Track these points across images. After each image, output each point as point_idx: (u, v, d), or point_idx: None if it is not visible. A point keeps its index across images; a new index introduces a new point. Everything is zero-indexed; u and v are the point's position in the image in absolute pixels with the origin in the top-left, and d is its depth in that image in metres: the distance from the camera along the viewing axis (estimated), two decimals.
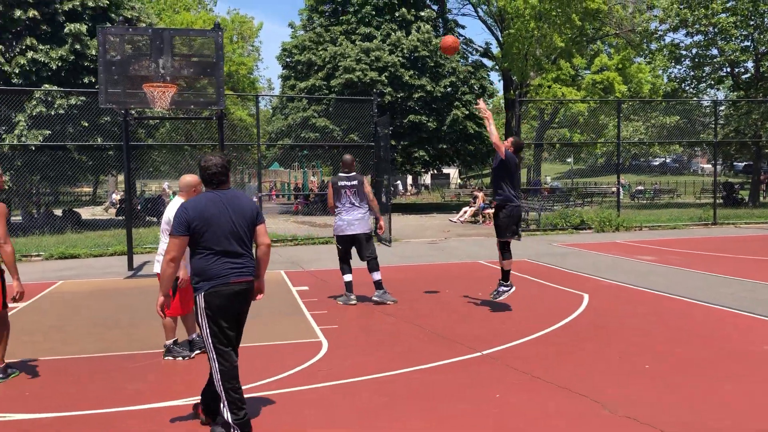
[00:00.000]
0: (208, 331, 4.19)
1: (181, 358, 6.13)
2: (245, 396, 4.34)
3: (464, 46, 34.09)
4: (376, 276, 8.68)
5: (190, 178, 6.01)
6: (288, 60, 30.46)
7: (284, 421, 4.55)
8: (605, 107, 31.79)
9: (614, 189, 29.71)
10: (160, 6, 36.68)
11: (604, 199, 32.62)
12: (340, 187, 8.61)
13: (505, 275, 8.14)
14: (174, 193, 32.64)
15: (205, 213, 4.17)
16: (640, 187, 40.59)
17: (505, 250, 8.06)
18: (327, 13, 31.35)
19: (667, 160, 74.71)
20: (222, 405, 4.17)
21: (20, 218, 21.35)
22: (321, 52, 28.73)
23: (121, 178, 41.06)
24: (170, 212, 5.88)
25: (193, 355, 6.20)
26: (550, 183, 48.10)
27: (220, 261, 4.17)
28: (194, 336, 6.29)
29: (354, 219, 8.56)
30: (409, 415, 4.60)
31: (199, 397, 4.52)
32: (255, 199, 30.57)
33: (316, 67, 28.82)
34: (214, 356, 4.21)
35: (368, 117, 19.96)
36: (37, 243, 15.41)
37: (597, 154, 49.45)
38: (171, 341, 6.17)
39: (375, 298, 8.71)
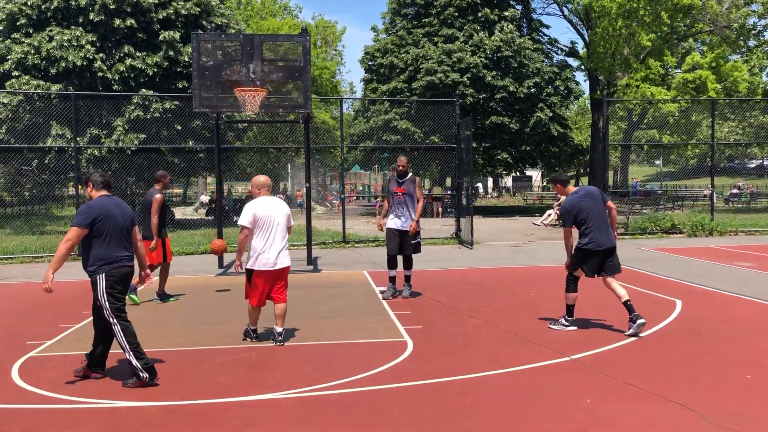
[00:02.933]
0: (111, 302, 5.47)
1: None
2: (338, 391, 4.41)
3: (548, 47, 33.39)
4: (407, 272, 9.31)
5: (263, 178, 6.70)
6: (370, 63, 30.76)
7: (374, 419, 4.60)
8: (697, 107, 30.44)
9: (706, 192, 28.42)
10: (247, 12, 37.83)
11: (695, 202, 31.25)
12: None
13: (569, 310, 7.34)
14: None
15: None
16: (734, 191, 38.65)
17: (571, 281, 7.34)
18: (409, 16, 31.46)
19: (765, 162, 70.74)
20: (129, 355, 5.32)
21: None
22: (403, 55, 28.86)
23: (210, 179, 42.63)
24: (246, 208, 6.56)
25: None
26: (646, 186, 46.49)
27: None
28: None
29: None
30: (497, 418, 4.57)
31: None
32: (337, 201, 30.82)
33: (398, 70, 28.96)
34: (116, 321, 5.39)
35: (450, 119, 19.90)
36: None
37: (688, 156, 47.40)
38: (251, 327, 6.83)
39: (404, 294, 9.20)
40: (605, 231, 7.06)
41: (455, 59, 27.45)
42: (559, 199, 23.07)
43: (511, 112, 28.52)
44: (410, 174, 9.25)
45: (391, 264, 9.26)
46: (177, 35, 20.31)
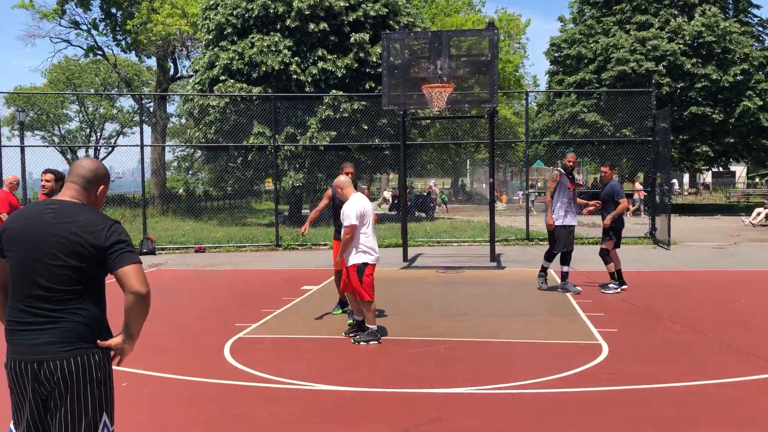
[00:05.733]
0: None
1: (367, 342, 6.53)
2: (532, 391, 4.29)
3: (759, 29, 30.15)
4: (565, 269, 9.37)
5: (345, 178, 6.89)
6: (556, 55, 29.78)
7: (570, 422, 4.42)
8: None
9: None
10: (432, 11, 38.32)
11: None
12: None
13: None
14: (442, 191, 33.94)
15: None
16: None
17: None
18: (599, 4, 29.99)
19: None
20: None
21: (308, 211, 23.86)
22: (592, 45, 27.60)
23: (391, 176, 43.86)
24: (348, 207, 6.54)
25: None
26: None
27: None
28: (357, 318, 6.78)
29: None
30: None
31: None
32: (520, 195, 30.24)
33: (586, 61, 27.76)
34: None
35: (643, 110, 18.70)
36: (324, 233, 17.05)
37: None
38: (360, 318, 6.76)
39: (572, 290, 9.19)
40: None
41: (650, 47, 25.73)
42: None
43: (713, 102, 26.17)
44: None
45: (564, 259, 9.34)
46: (366, 37, 21.07)
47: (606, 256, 9.28)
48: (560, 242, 9.15)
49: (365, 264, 6.53)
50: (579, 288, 9.23)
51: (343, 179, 6.85)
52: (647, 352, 6.14)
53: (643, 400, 4.81)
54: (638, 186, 15.54)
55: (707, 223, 21.93)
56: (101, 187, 2.86)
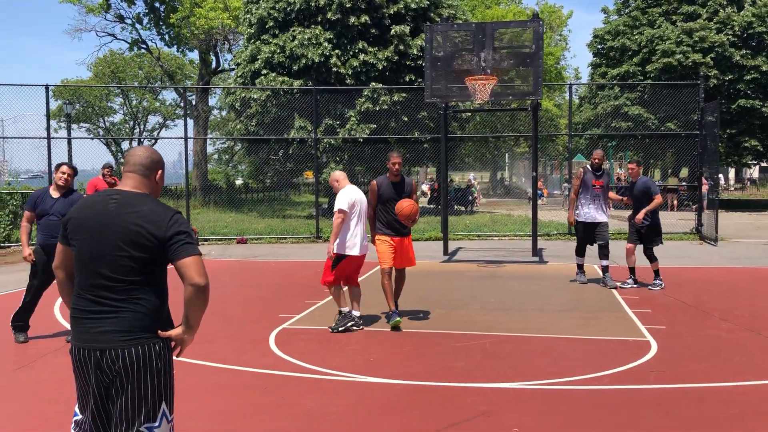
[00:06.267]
0: None
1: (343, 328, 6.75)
2: (579, 387, 4.22)
3: None
4: (604, 263, 9.38)
5: (340, 172, 7.05)
6: (599, 47, 29.24)
7: (619, 419, 4.34)
8: None
9: None
10: (472, 2, 37.97)
11: None
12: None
13: None
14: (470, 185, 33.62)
15: None
16: None
17: None
18: None
19: None
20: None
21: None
22: (636, 36, 27.03)
23: (430, 169, 43.70)
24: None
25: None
26: None
27: None
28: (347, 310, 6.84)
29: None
30: None
31: None
32: (566, 188, 29.90)
33: (630, 53, 27.20)
34: None
35: (689, 103, 18.27)
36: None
37: None
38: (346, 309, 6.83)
39: (610, 284, 9.18)
40: None
41: (697, 38, 25.09)
42: None
43: (763, 95, 25.41)
44: (605, 168, 9.57)
45: (580, 253, 9.62)
46: (407, 29, 20.99)
47: (652, 254, 9.09)
48: (577, 237, 9.64)
49: (344, 255, 6.71)
50: (617, 283, 9.12)
51: (338, 174, 7.04)
52: (698, 350, 6.01)
53: (695, 398, 4.71)
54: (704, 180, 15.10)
55: (755, 219, 21.36)
56: (159, 171, 2.90)
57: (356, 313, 6.89)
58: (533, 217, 12.97)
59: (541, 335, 6.61)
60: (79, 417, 2.82)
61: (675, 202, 25.37)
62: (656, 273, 9.09)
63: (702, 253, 13.00)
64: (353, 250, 6.72)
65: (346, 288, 7.02)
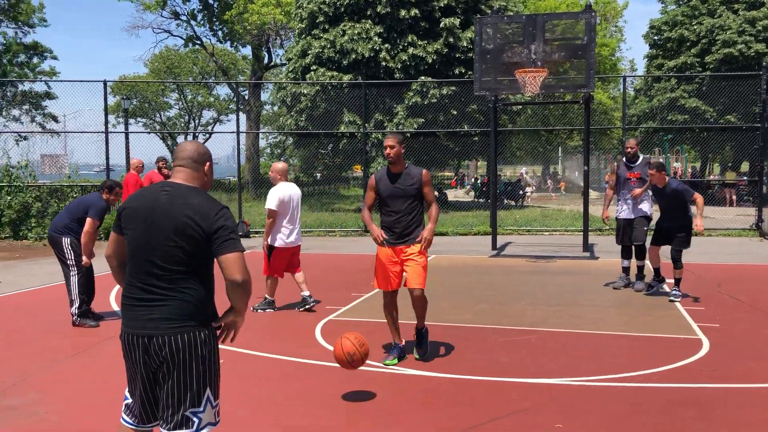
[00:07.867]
0: None
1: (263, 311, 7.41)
2: (625, 385, 4.14)
3: None
4: (639, 263, 8.80)
5: (282, 165, 7.48)
6: (656, 38, 28.51)
7: (665, 419, 4.25)
8: None
9: None
10: None
11: None
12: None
13: None
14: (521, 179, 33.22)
15: None
16: None
17: None
18: None
19: None
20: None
21: None
22: (695, 27, 26.24)
23: (479, 163, 43.35)
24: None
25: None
26: None
27: None
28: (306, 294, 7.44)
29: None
30: None
31: None
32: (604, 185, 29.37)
33: (688, 43, 26.44)
34: None
35: (751, 95, 17.64)
36: None
37: None
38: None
39: (637, 287, 8.62)
40: None
41: (760, 27, 24.20)
42: None
43: None
44: (642, 157, 8.71)
45: (626, 254, 8.84)
46: (456, 21, 20.88)
47: (680, 260, 8.01)
48: (617, 235, 8.94)
49: (273, 247, 7.32)
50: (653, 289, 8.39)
51: (279, 166, 7.46)
52: (753, 350, 5.82)
53: (748, 400, 4.57)
54: None
55: None
56: (207, 164, 2.99)
57: (306, 293, 7.46)
58: (584, 212, 12.76)
59: (589, 332, 6.50)
60: (130, 401, 2.92)
61: (734, 197, 24.55)
62: (677, 282, 7.99)
63: (761, 250, 12.57)
64: (280, 242, 7.29)
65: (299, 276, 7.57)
